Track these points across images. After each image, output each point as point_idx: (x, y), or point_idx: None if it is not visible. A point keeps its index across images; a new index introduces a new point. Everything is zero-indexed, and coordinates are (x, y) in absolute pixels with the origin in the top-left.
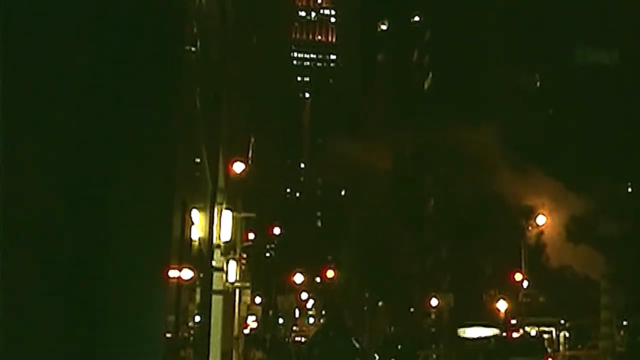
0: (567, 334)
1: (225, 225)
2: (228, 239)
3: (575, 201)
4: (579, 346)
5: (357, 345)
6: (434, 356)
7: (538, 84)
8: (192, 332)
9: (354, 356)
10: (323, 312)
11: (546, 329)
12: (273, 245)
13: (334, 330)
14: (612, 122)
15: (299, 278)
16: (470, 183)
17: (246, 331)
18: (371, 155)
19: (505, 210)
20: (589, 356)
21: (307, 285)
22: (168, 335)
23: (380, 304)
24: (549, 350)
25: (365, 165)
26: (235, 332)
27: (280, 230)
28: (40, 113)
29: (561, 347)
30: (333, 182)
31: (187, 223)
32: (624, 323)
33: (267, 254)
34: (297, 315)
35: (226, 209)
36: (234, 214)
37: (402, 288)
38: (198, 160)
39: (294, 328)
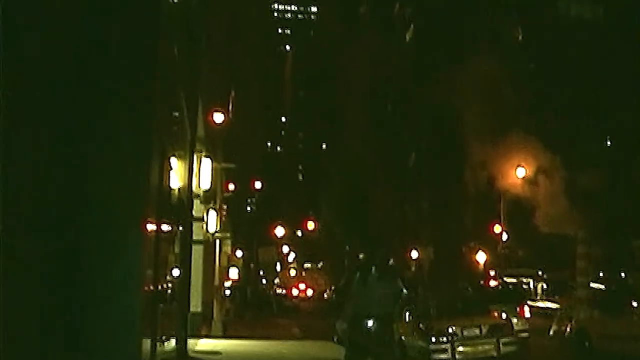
0: (545, 285)
1: (205, 173)
2: (208, 187)
3: (555, 154)
4: (556, 297)
5: (404, 289)
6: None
7: (520, 37)
8: (170, 284)
9: (403, 303)
10: (304, 266)
11: (524, 279)
12: (254, 199)
13: (377, 270)
14: (593, 75)
15: (280, 231)
16: (449, 135)
17: (227, 284)
18: (351, 107)
19: (485, 163)
20: (564, 306)
21: (288, 238)
22: (149, 287)
23: (360, 256)
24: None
25: (346, 116)
26: (216, 282)
27: (262, 184)
28: (24, 63)
29: (538, 297)
30: (314, 136)
31: (165, 170)
32: (601, 275)
33: (248, 208)
34: (278, 268)
35: (205, 157)
36: (214, 164)
37: (382, 241)
38: (177, 113)
39: (276, 281)
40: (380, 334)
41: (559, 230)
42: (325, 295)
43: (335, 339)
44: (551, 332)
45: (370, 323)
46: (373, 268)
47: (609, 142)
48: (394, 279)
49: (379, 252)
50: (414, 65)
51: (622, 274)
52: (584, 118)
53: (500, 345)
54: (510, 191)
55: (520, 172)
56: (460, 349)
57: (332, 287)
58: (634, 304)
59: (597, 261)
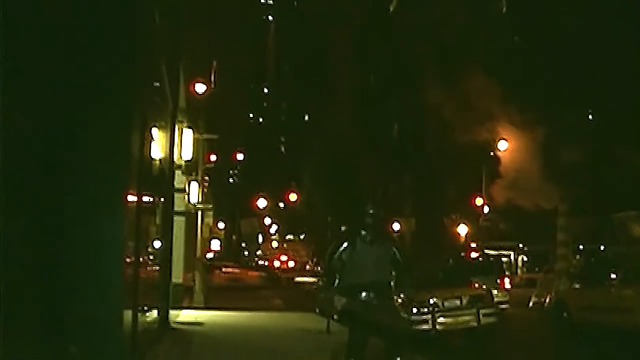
0: (525, 258)
1: (187, 143)
2: (189, 158)
3: (538, 127)
4: (536, 269)
5: (398, 255)
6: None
7: (504, 9)
8: (151, 256)
9: (395, 272)
10: (287, 238)
11: (505, 252)
12: (236, 171)
13: (367, 234)
14: (577, 48)
15: (262, 203)
16: (433, 108)
17: (209, 255)
18: (334, 78)
19: (468, 135)
20: (544, 278)
21: (271, 210)
22: (130, 258)
23: (343, 228)
24: (506, 272)
25: (329, 88)
26: (198, 254)
27: (244, 156)
28: (12, 36)
29: (519, 270)
30: (297, 107)
31: (147, 141)
32: (580, 247)
33: (230, 180)
34: (260, 240)
35: (187, 127)
36: (196, 135)
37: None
38: (157, 84)
39: (258, 253)
40: (379, 305)
41: (541, 204)
42: (308, 267)
43: (317, 311)
44: (531, 304)
45: (365, 294)
46: (363, 232)
47: (590, 116)
48: (386, 241)
49: (369, 215)
50: (398, 36)
51: (601, 247)
52: (565, 90)
53: (481, 316)
54: (493, 164)
55: (503, 145)
56: (441, 319)
57: (315, 259)
58: (612, 276)
59: (577, 234)
